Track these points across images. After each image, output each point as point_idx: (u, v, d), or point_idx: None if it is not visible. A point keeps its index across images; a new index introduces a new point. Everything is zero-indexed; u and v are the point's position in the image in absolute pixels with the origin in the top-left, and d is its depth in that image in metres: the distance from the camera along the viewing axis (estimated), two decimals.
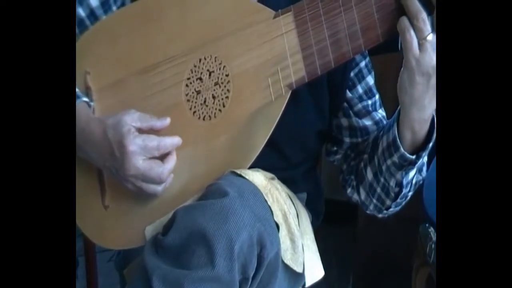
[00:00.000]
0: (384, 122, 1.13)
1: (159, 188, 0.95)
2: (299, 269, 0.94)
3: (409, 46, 0.88)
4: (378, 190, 1.07)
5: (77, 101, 0.99)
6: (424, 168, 1.06)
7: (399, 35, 0.91)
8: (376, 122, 1.12)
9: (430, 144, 0.97)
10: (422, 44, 0.88)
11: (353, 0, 0.91)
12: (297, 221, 0.97)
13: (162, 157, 0.95)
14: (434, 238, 1.36)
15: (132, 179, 0.93)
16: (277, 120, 0.95)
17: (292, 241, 0.93)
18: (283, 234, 0.92)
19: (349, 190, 1.15)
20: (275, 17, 0.95)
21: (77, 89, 1.01)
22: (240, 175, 0.92)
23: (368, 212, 1.14)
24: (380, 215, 1.13)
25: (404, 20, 0.88)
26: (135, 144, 0.91)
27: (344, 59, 0.94)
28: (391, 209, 1.09)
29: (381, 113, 1.14)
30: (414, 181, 1.05)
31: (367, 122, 1.12)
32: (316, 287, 1.01)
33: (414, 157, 0.97)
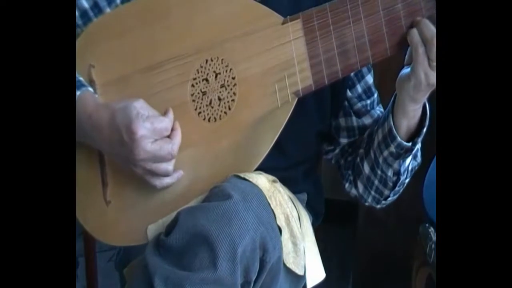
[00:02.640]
0: None
1: (170, 166, 0.94)
2: (300, 272, 0.94)
3: (421, 60, 0.90)
4: (376, 182, 1.09)
5: (83, 89, 0.98)
6: (419, 154, 1.09)
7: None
8: (375, 120, 1.13)
9: (424, 130, 1.00)
10: (432, 65, 0.89)
11: (362, 12, 0.91)
12: (299, 224, 0.97)
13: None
14: (434, 238, 1.36)
15: (143, 163, 0.93)
16: (282, 127, 0.95)
17: (294, 244, 0.93)
18: (285, 237, 0.92)
19: (347, 185, 1.16)
20: (283, 23, 0.95)
21: (82, 79, 1.01)
22: (244, 178, 0.92)
23: (366, 204, 1.16)
24: (378, 206, 1.15)
25: (416, 35, 0.89)
26: (144, 128, 0.91)
27: (352, 70, 0.95)
28: (389, 199, 1.12)
29: (379, 109, 1.16)
30: (410, 168, 1.07)
31: (366, 120, 1.14)
32: (316, 287, 1.01)
33: (410, 144, 0.99)
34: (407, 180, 1.09)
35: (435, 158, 1.18)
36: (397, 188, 1.09)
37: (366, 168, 1.08)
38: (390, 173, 1.05)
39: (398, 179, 1.06)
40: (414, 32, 0.90)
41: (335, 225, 1.88)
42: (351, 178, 1.14)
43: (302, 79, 0.94)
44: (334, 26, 0.93)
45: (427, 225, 1.39)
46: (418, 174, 1.13)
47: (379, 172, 1.06)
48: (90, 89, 1.00)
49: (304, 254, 0.95)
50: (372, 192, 1.11)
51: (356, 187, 1.13)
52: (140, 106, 0.93)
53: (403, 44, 0.91)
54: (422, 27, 0.89)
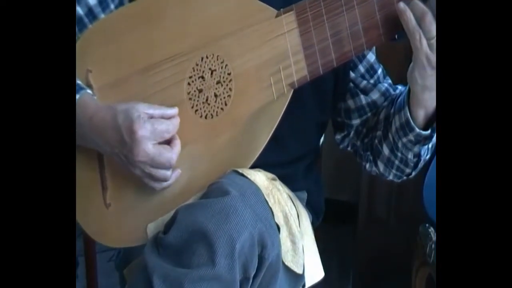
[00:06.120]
0: (391, 90, 1.14)
1: (168, 173, 0.95)
2: (299, 271, 0.94)
3: (419, 46, 0.89)
4: (397, 162, 1.09)
5: (82, 92, 0.99)
6: None
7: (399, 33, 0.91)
8: (383, 93, 1.14)
9: None
10: (431, 44, 0.88)
11: (355, 0, 0.91)
12: (298, 222, 0.97)
13: (169, 143, 0.95)
14: (434, 238, 1.36)
15: (141, 165, 0.93)
16: (279, 119, 0.95)
17: (293, 242, 0.93)
18: (284, 235, 0.92)
19: (367, 165, 1.16)
20: (277, 16, 0.95)
21: (80, 82, 1.01)
22: (242, 175, 0.92)
23: (388, 179, 1.16)
24: (399, 181, 1.15)
25: (412, 22, 0.88)
26: (145, 128, 0.91)
27: (346, 59, 0.95)
28: (411, 175, 1.12)
29: (386, 82, 1.16)
30: (430, 146, 1.06)
31: (374, 95, 1.14)
32: (316, 287, 1.01)
33: (429, 131, 0.98)
34: (428, 157, 1.08)
35: (435, 158, 1.18)
36: (419, 166, 1.09)
37: (386, 150, 1.08)
38: (410, 155, 1.05)
39: (419, 160, 1.06)
40: (407, 19, 0.89)
41: (335, 225, 1.88)
42: (371, 158, 1.14)
43: (297, 70, 0.94)
44: (327, 16, 0.93)
45: (427, 225, 1.39)
46: (418, 174, 1.13)
47: (399, 154, 1.06)
48: (89, 91, 1.01)
49: (303, 253, 0.95)
50: (394, 171, 1.11)
51: (376, 165, 1.13)
52: (141, 108, 0.93)
53: (396, 29, 0.91)
54: (412, 7, 0.88)
